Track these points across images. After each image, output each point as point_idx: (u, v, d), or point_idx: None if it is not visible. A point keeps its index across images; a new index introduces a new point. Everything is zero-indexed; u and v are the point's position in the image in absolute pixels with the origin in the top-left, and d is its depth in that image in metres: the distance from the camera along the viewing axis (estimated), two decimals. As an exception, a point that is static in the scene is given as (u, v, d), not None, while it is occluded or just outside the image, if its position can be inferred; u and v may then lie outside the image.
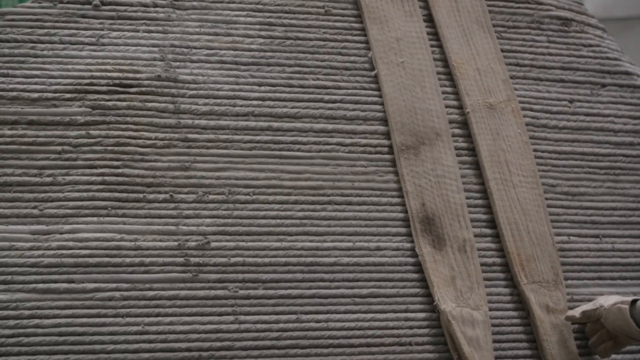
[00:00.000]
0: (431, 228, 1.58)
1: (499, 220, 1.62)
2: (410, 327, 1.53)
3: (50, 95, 1.53)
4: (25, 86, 1.53)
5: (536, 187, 1.66)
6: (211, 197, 1.55)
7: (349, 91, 1.68)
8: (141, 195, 1.52)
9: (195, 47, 1.63)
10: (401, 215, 1.61)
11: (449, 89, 1.73)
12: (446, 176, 1.63)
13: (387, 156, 1.65)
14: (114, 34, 1.60)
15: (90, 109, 1.54)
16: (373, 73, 1.70)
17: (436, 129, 1.67)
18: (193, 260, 1.49)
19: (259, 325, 1.47)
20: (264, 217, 1.55)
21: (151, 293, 1.45)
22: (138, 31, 1.62)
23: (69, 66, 1.56)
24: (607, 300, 1.53)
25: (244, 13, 1.68)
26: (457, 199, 1.62)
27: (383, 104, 1.68)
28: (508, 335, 1.56)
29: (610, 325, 1.50)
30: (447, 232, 1.59)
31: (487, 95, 1.72)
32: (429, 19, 1.78)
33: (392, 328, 1.52)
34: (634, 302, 1.46)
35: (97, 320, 1.41)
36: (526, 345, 1.56)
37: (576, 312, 1.55)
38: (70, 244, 1.44)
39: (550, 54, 1.82)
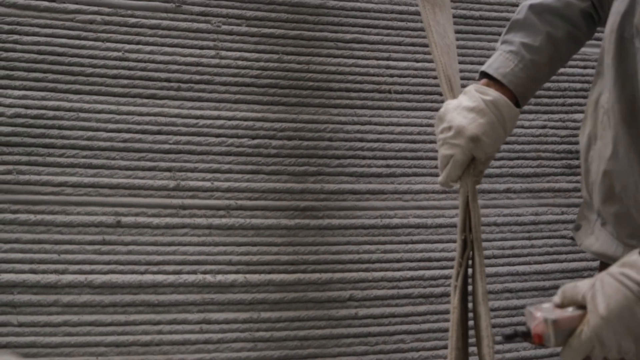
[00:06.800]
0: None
1: None
2: (391, 75, 1.53)
3: None
4: None
5: None
6: None
7: None
8: None
9: None
10: (392, -39, 1.58)
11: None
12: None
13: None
14: None
15: None
16: None
17: None
18: (177, -10, 1.46)
19: (239, 62, 1.46)
20: (251, -47, 1.52)
21: (133, 20, 1.43)
22: None
23: None
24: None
25: None
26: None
27: None
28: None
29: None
30: None
31: None
32: None
33: (373, 75, 1.52)
34: None
35: (77, 42, 1.39)
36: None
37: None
38: (52, -38, 1.40)
39: None
